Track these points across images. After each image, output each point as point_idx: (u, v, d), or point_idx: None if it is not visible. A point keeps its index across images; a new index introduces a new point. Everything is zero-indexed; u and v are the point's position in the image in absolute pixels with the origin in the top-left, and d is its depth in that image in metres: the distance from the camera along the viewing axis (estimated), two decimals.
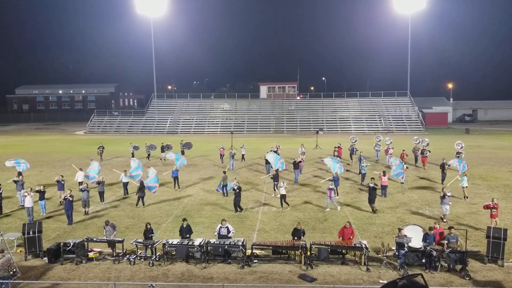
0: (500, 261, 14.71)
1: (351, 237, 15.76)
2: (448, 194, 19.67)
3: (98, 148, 38.69)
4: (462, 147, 33.62)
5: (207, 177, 30.46)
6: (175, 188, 27.02)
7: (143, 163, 28.65)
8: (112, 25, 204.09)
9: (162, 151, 37.71)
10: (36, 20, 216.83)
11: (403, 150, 33.21)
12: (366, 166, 27.80)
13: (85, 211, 21.46)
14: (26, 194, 20.25)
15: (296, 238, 16.00)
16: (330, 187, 21.75)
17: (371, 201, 21.36)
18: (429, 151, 32.96)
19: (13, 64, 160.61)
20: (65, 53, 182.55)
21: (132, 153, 37.69)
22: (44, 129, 77.60)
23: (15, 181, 23.38)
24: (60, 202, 23.04)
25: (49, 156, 41.08)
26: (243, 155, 36.74)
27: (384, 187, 24.01)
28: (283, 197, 22.07)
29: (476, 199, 23.50)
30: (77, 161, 36.52)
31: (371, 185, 21.27)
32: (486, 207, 18.17)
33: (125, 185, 25.27)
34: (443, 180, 27.24)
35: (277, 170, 25.47)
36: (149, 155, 38.07)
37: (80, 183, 25.71)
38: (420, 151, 33.33)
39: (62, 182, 23.34)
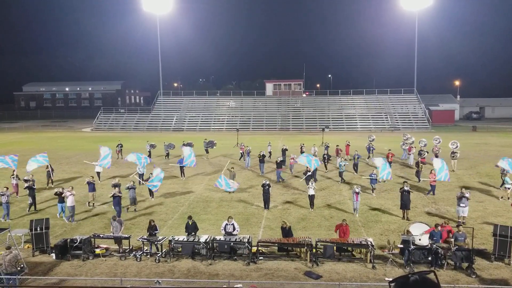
0: (507, 259, 14.64)
1: (347, 236, 15.91)
2: (467, 195, 18.77)
3: (117, 146, 37.85)
4: (457, 147, 32.37)
5: (214, 174, 30.47)
6: (181, 177, 28.92)
7: (162, 162, 30.69)
8: (118, 23, 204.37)
9: None
10: (43, 18, 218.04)
11: (389, 150, 32.05)
12: (344, 165, 27.52)
13: (134, 208, 21.67)
14: (68, 193, 19.86)
15: (283, 235, 16.20)
16: (356, 190, 20.28)
17: (405, 206, 19.76)
18: (427, 152, 31.97)
19: (20, 62, 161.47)
20: (72, 50, 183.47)
21: (149, 151, 36.72)
22: (51, 126, 78.02)
23: (25, 180, 22.92)
24: (88, 203, 22.48)
25: (56, 153, 41.23)
26: (270, 152, 36.46)
27: (433, 187, 23.70)
28: (312, 197, 21.57)
29: (483, 197, 23.39)
30: (84, 158, 36.67)
31: (406, 188, 19.83)
32: None
33: (141, 176, 26.50)
34: (419, 178, 26.77)
35: (308, 171, 24.86)
36: (167, 154, 37.28)
37: (98, 173, 28.19)
38: (418, 152, 32.07)
39: (93, 183, 22.83)
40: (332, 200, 23.46)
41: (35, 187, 22.16)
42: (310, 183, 21.88)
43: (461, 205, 18.70)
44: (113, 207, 20.55)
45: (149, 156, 34.56)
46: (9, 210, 20.47)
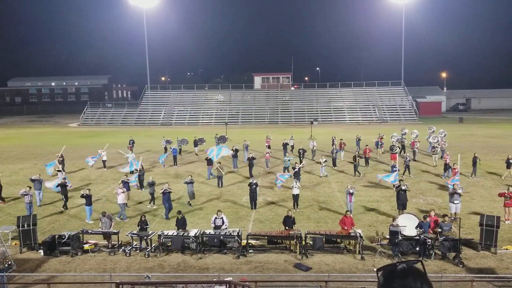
0: (493, 248, 14.86)
1: (353, 226, 15.99)
2: (459, 191, 18.17)
3: (129, 142, 36.86)
4: (438, 141, 31.87)
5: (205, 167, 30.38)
6: (175, 165, 30.54)
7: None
8: (105, 16, 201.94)
9: (195, 145, 36.28)
10: (27, 11, 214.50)
11: (366, 145, 30.97)
12: (289, 160, 27.07)
13: (188, 202, 21.37)
14: (119, 190, 19.25)
15: (287, 226, 16.16)
16: (350, 191, 19.24)
17: (402, 206, 18.67)
18: (399, 147, 31.03)
19: (5, 57, 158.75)
20: (58, 44, 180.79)
21: (165, 148, 35.51)
22: (37, 121, 77.08)
23: (32, 180, 21.84)
24: (125, 204, 21.05)
25: (43, 149, 40.86)
26: (292, 146, 35.81)
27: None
28: (296, 197, 20.49)
29: (469, 187, 23.66)
30: (71, 154, 36.37)
31: (403, 187, 18.78)
32: (501, 195, 18.12)
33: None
34: (358, 172, 27.05)
35: (297, 167, 24.47)
36: (180, 149, 35.97)
37: (104, 162, 29.99)
38: (389, 147, 30.93)
39: (128, 182, 21.66)
40: (321, 192, 23.58)
41: (68, 184, 21.49)
42: (294, 182, 20.80)
43: (455, 202, 18.08)
44: (162, 203, 19.82)
45: (165, 152, 33.72)
46: (32, 211, 19.43)
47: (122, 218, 19.24)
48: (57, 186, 21.37)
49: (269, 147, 34.84)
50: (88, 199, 19.02)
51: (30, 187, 20.40)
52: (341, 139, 34.10)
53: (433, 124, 42.94)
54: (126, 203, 20.87)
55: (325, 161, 27.67)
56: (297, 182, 21.03)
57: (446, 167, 26.01)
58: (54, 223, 19.10)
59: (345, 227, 15.85)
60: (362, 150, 30.80)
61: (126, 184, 21.29)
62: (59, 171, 24.86)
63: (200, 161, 29.79)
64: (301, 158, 29.74)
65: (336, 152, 29.78)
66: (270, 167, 29.59)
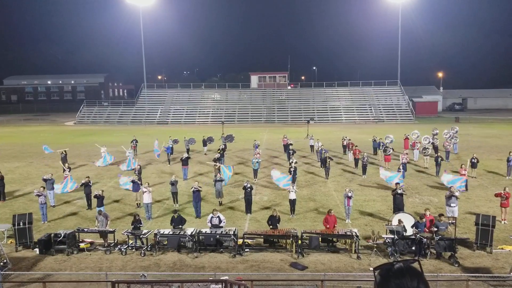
0: (489, 247, 14.91)
1: (335, 225, 16.08)
2: (456, 194, 17.77)
3: (132, 142, 36.26)
4: (429, 142, 31.65)
5: (199, 165, 30.36)
6: (168, 164, 30.86)
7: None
8: (101, 15, 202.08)
9: (204, 145, 36.10)
10: (24, 10, 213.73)
11: (356, 146, 30.49)
12: (257, 162, 26.63)
13: (220, 201, 21.31)
14: (144, 189, 19.11)
15: (272, 226, 16.21)
16: (349, 194, 18.35)
17: (399, 210, 17.56)
18: (392, 149, 30.24)
19: (1, 55, 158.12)
20: (54, 43, 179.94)
21: (172, 147, 34.36)
22: (34, 120, 76.78)
23: (44, 180, 21.26)
24: (137, 204, 21.04)
25: (39, 147, 40.58)
26: (311, 146, 35.55)
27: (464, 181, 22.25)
28: (293, 202, 19.46)
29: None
30: (68, 153, 36.17)
31: (399, 191, 18.13)
32: (498, 195, 18.18)
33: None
34: (327, 175, 26.61)
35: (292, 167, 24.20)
36: (188, 149, 34.78)
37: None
38: (383, 148, 30.37)
39: (138, 182, 21.37)
40: (317, 192, 23.60)
41: (91, 184, 21.27)
42: (291, 186, 20.03)
43: (452, 205, 17.48)
44: (193, 201, 19.74)
45: (172, 152, 32.98)
46: (46, 211, 19.08)
47: (147, 218, 19.03)
48: (81, 185, 21.16)
49: (286, 146, 34.39)
50: (100, 200, 18.74)
51: (44, 187, 19.92)
52: (349, 140, 34.02)
53: (431, 124, 42.99)
54: (139, 203, 20.97)
55: (296, 162, 26.15)
56: (294, 186, 20.32)
57: (403, 166, 25.70)
58: (50, 221, 19.02)
59: (328, 226, 15.96)
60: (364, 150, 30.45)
61: (136, 184, 21.08)
62: (65, 170, 24.79)
63: (209, 160, 29.49)
64: (291, 159, 28.15)
65: (325, 152, 29.23)
66: (261, 168, 29.50)
